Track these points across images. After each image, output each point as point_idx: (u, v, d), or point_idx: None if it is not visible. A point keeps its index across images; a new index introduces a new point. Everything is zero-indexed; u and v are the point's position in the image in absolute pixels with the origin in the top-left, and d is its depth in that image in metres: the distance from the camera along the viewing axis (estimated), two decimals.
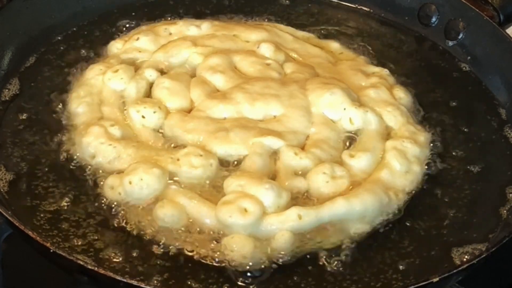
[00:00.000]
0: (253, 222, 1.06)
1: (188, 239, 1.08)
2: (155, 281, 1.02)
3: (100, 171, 1.17)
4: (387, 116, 1.28)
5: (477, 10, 1.48)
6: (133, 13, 1.54)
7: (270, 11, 1.59)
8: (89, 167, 1.18)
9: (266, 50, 1.38)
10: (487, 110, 1.40)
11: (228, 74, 1.31)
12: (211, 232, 1.09)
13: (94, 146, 1.17)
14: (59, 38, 1.45)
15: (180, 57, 1.36)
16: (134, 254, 1.06)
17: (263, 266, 1.06)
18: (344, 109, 1.25)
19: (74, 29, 1.48)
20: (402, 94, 1.35)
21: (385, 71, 1.41)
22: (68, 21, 1.48)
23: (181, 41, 1.38)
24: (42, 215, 1.11)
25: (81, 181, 1.16)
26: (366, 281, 1.06)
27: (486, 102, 1.42)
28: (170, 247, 1.07)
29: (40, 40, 1.42)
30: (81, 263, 0.96)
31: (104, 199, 1.13)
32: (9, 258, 1.19)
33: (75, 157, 1.19)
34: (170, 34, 1.42)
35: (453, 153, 1.28)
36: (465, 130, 1.34)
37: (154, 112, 1.23)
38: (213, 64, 1.32)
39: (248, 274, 1.05)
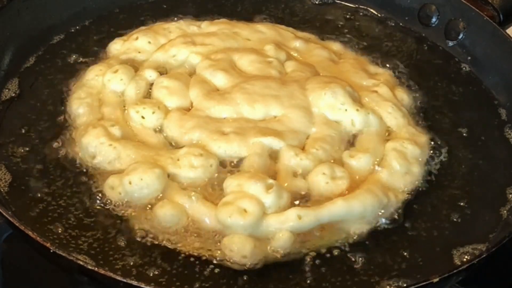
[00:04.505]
0: (253, 222, 1.07)
1: (188, 239, 1.08)
2: (155, 281, 1.03)
3: (101, 171, 1.17)
4: (388, 117, 1.28)
5: (477, 10, 1.48)
6: (133, 13, 1.54)
7: (270, 12, 1.59)
8: (89, 167, 1.18)
9: (268, 48, 1.38)
10: (487, 110, 1.40)
11: (228, 72, 1.30)
12: (211, 232, 1.09)
13: (94, 146, 1.17)
14: (59, 38, 1.45)
15: (179, 57, 1.36)
16: (134, 254, 1.06)
17: (262, 266, 1.06)
18: (346, 110, 1.25)
19: (74, 29, 1.48)
20: (404, 96, 1.35)
21: (389, 72, 1.41)
22: (68, 21, 1.48)
23: (180, 41, 1.38)
24: (42, 215, 1.11)
25: (81, 181, 1.16)
26: (366, 281, 1.06)
27: (486, 102, 1.42)
28: (170, 247, 1.07)
29: (40, 40, 1.42)
30: (81, 263, 0.96)
31: (104, 199, 1.13)
32: (9, 258, 1.19)
33: (75, 157, 1.20)
34: (170, 33, 1.42)
35: (453, 154, 1.28)
36: (465, 130, 1.34)
37: (153, 113, 1.23)
38: (212, 62, 1.32)
39: (248, 274, 1.05)
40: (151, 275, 1.04)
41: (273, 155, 1.19)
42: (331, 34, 1.53)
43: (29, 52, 1.39)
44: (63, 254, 0.96)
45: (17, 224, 1.00)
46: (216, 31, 1.43)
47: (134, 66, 1.35)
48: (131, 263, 1.05)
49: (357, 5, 1.63)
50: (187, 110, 1.26)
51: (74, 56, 1.41)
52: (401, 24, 1.59)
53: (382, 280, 1.07)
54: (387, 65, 1.45)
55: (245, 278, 1.05)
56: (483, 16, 1.47)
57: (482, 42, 1.47)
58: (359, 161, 1.19)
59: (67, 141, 1.22)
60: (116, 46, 1.40)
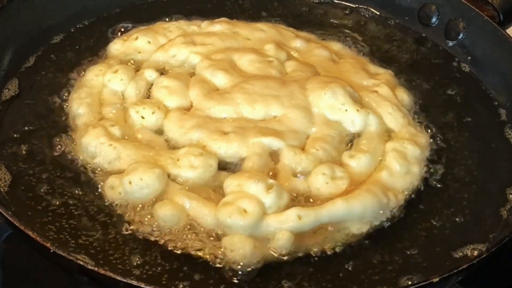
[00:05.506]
0: (253, 223, 1.06)
1: (188, 239, 1.08)
2: (155, 281, 1.03)
3: (101, 171, 1.17)
4: (388, 117, 1.28)
5: (477, 10, 1.48)
6: (133, 13, 1.54)
7: (270, 12, 1.59)
8: (89, 167, 1.18)
9: (268, 48, 1.38)
10: (487, 110, 1.40)
11: (228, 72, 1.30)
12: (211, 232, 1.09)
13: (94, 146, 1.17)
14: (59, 38, 1.45)
15: (179, 57, 1.36)
16: (134, 254, 1.06)
17: (262, 266, 1.06)
18: (346, 110, 1.25)
19: (74, 29, 1.48)
20: (404, 96, 1.35)
21: (389, 72, 1.41)
22: (68, 21, 1.48)
23: (180, 40, 1.38)
24: (42, 215, 1.11)
25: (81, 181, 1.16)
26: (366, 281, 1.06)
27: (486, 102, 1.42)
28: (170, 247, 1.07)
29: (40, 40, 1.42)
30: (81, 263, 0.96)
31: (105, 199, 1.13)
32: (9, 258, 1.19)
33: (75, 157, 1.19)
34: (170, 32, 1.42)
35: (453, 154, 1.29)
36: (465, 130, 1.34)
37: (153, 113, 1.23)
38: (212, 62, 1.32)
39: (248, 273, 1.05)
40: (151, 275, 1.04)
41: (273, 155, 1.19)
42: (331, 34, 1.53)
43: (29, 52, 1.39)
44: (63, 254, 0.96)
45: (17, 224, 1.00)
46: (216, 31, 1.43)
47: (134, 66, 1.35)
48: (131, 263, 1.05)
49: (357, 5, 1.63)
50: (187, 110, 1.26)
51: (74, 56, 1.41)
52: (401, 24, 1.59)
53: (383, 280, 1.07)
54: (387, 65, 1.45)
55: (245, 278, 1.05)
56: (483, 16, 1.47)
57: (482, 42, 1.47)
58: (359, 161, 1.19)
59: (67, 141, 1.22)
60: (116, 46, 1.40)
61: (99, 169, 1.17)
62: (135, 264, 1.05)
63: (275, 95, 1.26)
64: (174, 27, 1.44)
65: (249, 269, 1.05)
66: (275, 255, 1.07)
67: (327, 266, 1.08)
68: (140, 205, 1.12)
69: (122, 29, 1.48)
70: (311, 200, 1.14)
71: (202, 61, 1.33)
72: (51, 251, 0.97)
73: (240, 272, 1.05)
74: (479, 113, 1.39)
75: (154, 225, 1.09)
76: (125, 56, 1.37)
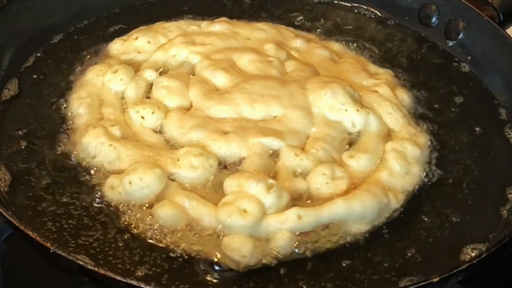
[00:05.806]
0: (253, 223, 1.06)
1: (188, 239, 1.08)
2: (155, 281, 1.03)
3: (100, 171, 1.17)
4: (388, 117, 1.28)
5: (477, 10, 1.48)
6: (133, 13, 1.54)
7: (270, 12, 1.58)
8: (89, 167, 1.18)
9: (268, 47, 1.38)
10: (487, 110, 1.40)
11: (228, 72, 1.30)
12: (211, 232, 1.09)
13: (94, 146, 1.17)
14: (59, 38, 1.45)
15: (179, 57, 1.36)
16: (134, 254, 1.06)
17: (262, 266, 1.06)
18: (346, 110, 1.25)
19: (74, 29, 1.48)
20: (404, 96, 1.35)
21: (389, 72, 1.41)
22: (68, 21, 1.48)
23: (180, 40, 1.38)
24: (42, 215, 1.11)
25: (81, 181, 1.16)
26: (366, 281, 1.06)
27: (486, 102, 1.41)
28: (170, 247, 1.07)
29: (40, 40, 1.42)
30: (81, 263, 0.96)
31: (105, 199, 1.13)
32: (9, 258, 1.19)
33: (75, 157, 1.20)
34: (170, 32, 1.42)
35: (453, 154, 1.29)
36: (465, 130, 1.34)
37: (153, 113, 1.23)
38: (212, 62, 1.32)
39: (248, 273, 1.05)
40: (151, 275, 1.04)
41: (273, 155, 1.19)
42: (331, 34, 1.53)
43: (29, 52, 1.39)
44: (63, 254, 0.96)
45: (17, 224, 1.00)
46: (216, 31, 1.43)
47: (134, 66, 1.35)
48: (131, 263, 1.05)
49: (357, 5, 1.62)
50: (187, 110, 1.26)
51: (74, 56, 1.40)
52: (401, 24, 1.59)
53: (383, 280, 1.07)
54: (387, 65, 1.45)
55: (245, 278, 1.05)
56: (483, 16, 1.47)
57: (482, 42, 1.47)
58: (359, 161, 1.19)
59: (67, 141, 1.22)
60: (116, 46, 1.40)
61: (99, 169, 1.17)
62: (135, 264, 1.05)
63: (275, 95, 1.26)
64: (174, 27, 1.44)
65: (249, 268, 1.05)
66: (275, 255, 1.07)
67: (327, 266, 1.08)
68: (140, 205, 1.12)
69: (123, 29, 1.48)
70: (311, 200, 1.14)
71: (202, 61, 1.33)
72: (51, 251, 0.97)
73: (240, 272, 1.05)
74: (479, 113, 1.39)
75: (154, 225, 1.09)
76: (125, 56, 1.37)
